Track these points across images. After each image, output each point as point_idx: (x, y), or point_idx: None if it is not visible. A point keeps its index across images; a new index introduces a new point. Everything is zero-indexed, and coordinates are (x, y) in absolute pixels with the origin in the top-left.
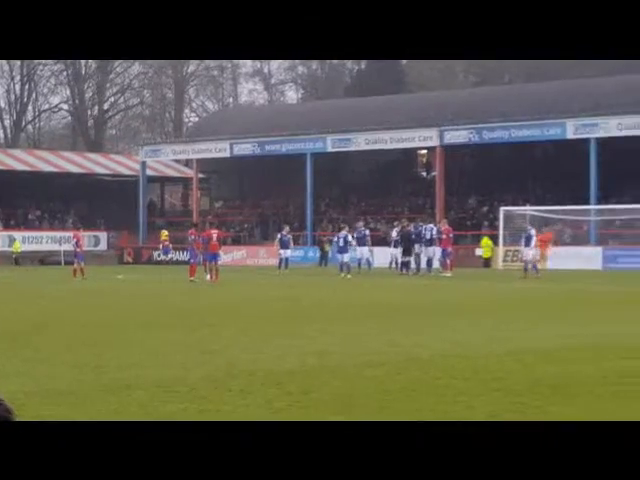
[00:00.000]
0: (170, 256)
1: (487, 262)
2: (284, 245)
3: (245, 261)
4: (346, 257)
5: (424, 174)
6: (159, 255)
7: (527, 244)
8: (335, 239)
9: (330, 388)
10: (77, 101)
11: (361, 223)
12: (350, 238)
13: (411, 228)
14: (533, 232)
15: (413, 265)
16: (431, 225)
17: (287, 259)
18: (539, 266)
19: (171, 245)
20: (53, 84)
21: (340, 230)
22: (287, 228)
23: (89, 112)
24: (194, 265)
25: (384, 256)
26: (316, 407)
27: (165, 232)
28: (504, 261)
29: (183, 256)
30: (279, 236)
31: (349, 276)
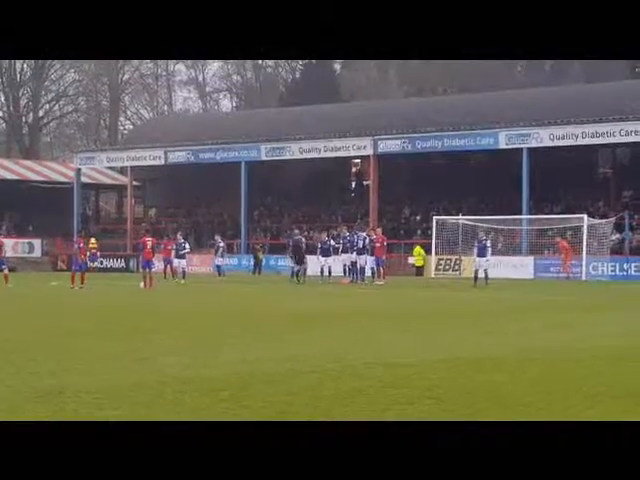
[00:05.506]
0: (104, 263)
1: (419, 271)
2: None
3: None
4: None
5: (353, 184)
6: (93, 262)
7: (481, 254)
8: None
9: (263, 396)
10: (12, 108)
11: (297, 231)
12: (186, 245)
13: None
14: (488, 242)
15: (326, 273)
16: (363, 234)
17: (219, 266)
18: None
19: (99, 252)
20: None
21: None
22: (217, 237)
23: (24, 119)
24: (75, 273)
25: (318, 264)
26: (250, 415)
27: (93, 240)
28: (436, 270)
29: (117, 263)
30: (216, 245)
31: (176, 280)
